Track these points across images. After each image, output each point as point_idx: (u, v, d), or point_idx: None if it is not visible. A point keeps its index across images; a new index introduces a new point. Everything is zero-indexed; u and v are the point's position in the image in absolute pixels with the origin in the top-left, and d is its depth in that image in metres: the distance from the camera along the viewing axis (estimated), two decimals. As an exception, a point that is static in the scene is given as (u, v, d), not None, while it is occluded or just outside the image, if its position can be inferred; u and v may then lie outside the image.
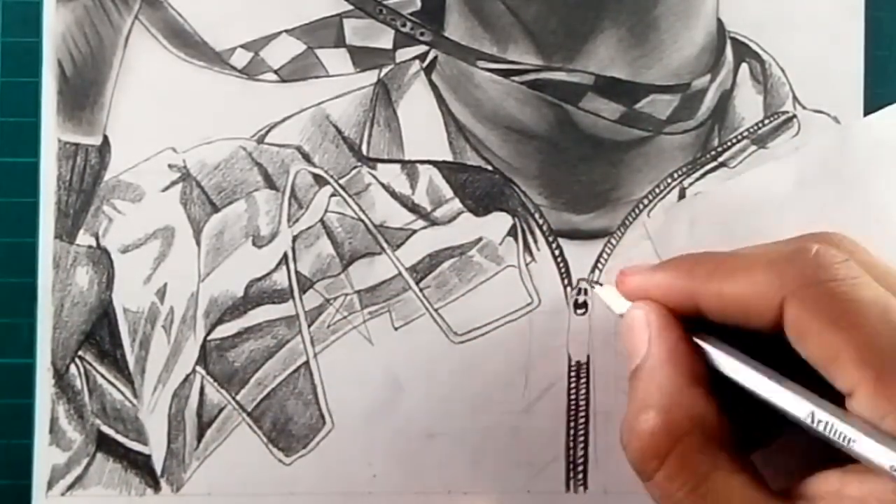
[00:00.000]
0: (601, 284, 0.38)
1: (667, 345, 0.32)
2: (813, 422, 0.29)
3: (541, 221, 0.41)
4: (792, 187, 0.41)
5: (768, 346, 0.31)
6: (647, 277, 0.34)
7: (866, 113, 0.42)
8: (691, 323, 0.33)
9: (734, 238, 0.40)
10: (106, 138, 0.40)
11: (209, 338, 0.41)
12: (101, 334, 0.40)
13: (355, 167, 0.41)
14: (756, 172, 0.41)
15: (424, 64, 0.41)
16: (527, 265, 0.41)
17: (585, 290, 0.41)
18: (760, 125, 0.42)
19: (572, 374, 0.41)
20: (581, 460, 0.41)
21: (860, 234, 0.38)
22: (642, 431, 0.31)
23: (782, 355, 0.31)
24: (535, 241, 0.41)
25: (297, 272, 0.41)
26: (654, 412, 0.31)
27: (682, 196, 0.42)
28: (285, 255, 0.41)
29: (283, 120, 0.41)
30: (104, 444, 0.40)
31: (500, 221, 0.41)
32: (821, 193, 0.41)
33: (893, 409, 0.28)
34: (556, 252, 0.41)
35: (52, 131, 0.40)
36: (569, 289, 0.41)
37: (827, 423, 0.29)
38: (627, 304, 0.35)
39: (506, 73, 0.41)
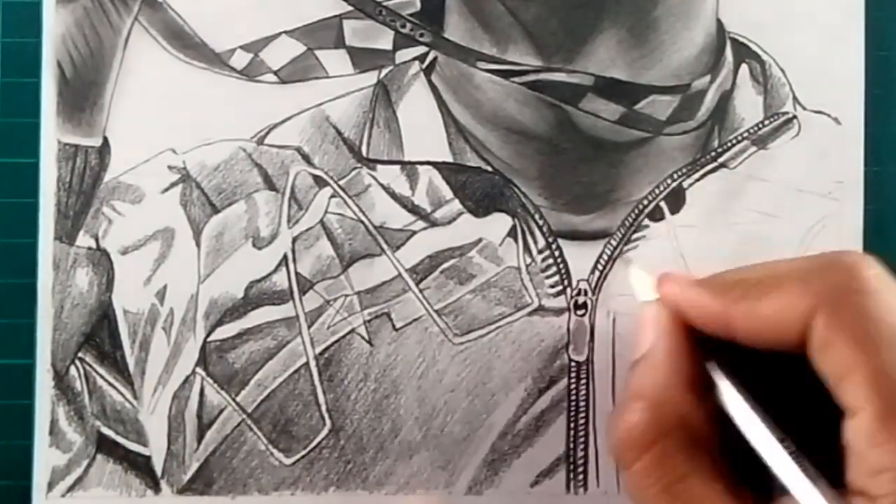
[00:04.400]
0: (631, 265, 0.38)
1: (669, 346, 0.32)
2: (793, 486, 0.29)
3: (541, 222, 0.41)
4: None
5: (788, 370, 0.31)
6: (682, 291, 0.33)
7: (866, 113, 0.42)
8: (713, 347, 0.33)
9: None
10: (106, 140, 0.40)
11: (209, 339, 0.41)
12: (101, 336, 0.40)
13: (355, 168, 0.41)
14: None
15: (424, 65, 0.41)
16: (527, 266, 0.41)
17: (585, 291, 0.41)
18: (760, 126, 0.42)
19: (572, 374, 0.41)
20: (581, 461, 0.41)
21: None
22: (628, 420, 0.31)
23: (800, 379, 0.30)
24: (535, 242, 0.41)
25: (296, 273, 0.41)
26: (643, 404, 0.31)
27: (682, 197, 0.42)
28: (285, 257, 0.41)
29: (283, 121, 0.41)
30: (104, 446, 0.40)
31: (499, 222, 0.41)
32: None
33: (892, 441, 0.27)
34: (556, 253, 0.41)
35: (52, 132, 0.40)
36: (569, 289, 0.41)
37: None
38: (652, 294, 0.34)
39: (506, 74, 0.41)
